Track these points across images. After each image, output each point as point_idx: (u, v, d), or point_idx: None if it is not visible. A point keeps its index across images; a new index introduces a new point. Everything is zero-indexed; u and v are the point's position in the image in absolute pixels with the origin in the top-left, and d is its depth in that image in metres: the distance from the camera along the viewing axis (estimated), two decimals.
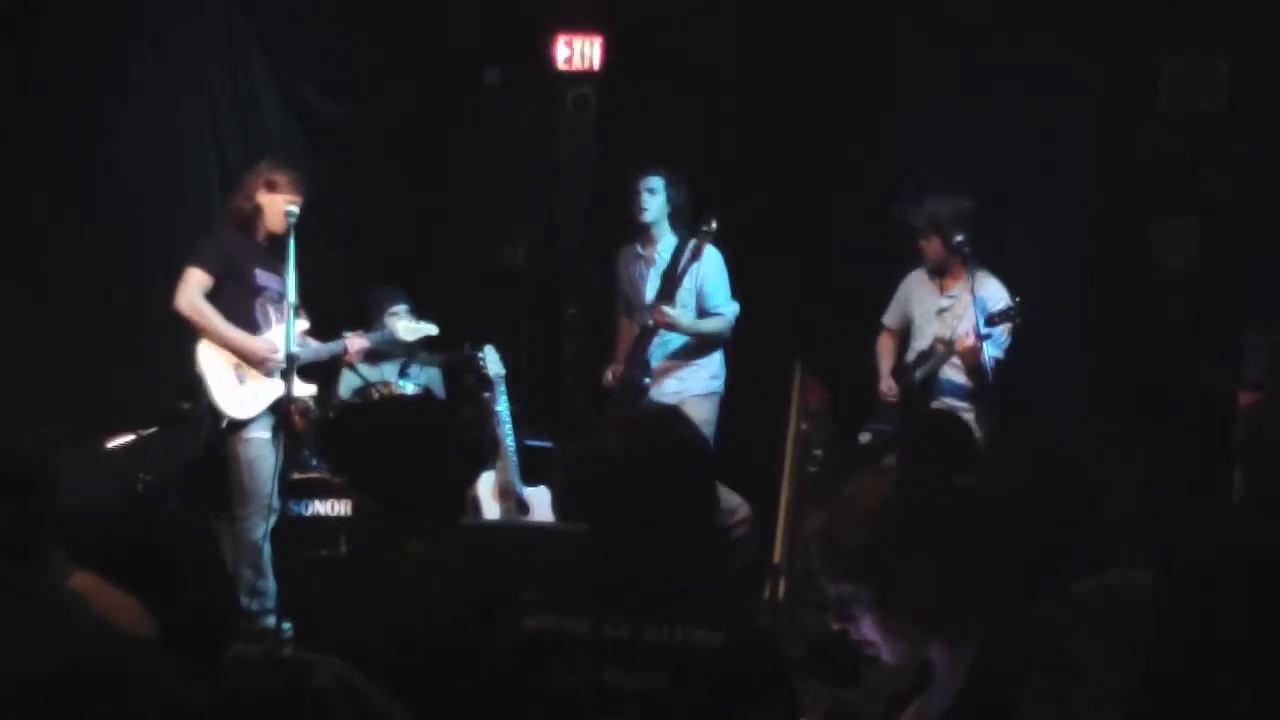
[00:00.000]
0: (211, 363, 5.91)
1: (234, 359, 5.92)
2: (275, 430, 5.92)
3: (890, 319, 6.56)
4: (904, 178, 6.97)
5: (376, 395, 6.40)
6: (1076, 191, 6.84)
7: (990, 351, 5.87)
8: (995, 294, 6.07)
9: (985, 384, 5.96)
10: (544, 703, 2.47)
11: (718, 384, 6.60)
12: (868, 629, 2.40)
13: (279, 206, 5.89)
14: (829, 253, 6.99)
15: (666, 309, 6.39)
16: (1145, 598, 2.72)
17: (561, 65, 7.42)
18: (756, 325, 6.68)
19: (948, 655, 2.40)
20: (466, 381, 6.96)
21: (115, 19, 6.97)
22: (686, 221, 6.55)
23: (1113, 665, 2.57)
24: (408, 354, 6.88)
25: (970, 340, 5.88)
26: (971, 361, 5.95)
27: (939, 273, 6.26)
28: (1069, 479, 2.95)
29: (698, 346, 6.55)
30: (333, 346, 6.25)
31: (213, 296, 5.92)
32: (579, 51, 7.41)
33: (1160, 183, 6.73)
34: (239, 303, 5.95)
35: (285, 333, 5.75)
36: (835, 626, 2.43)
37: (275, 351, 5.87)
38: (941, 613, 2.37)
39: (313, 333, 6.22)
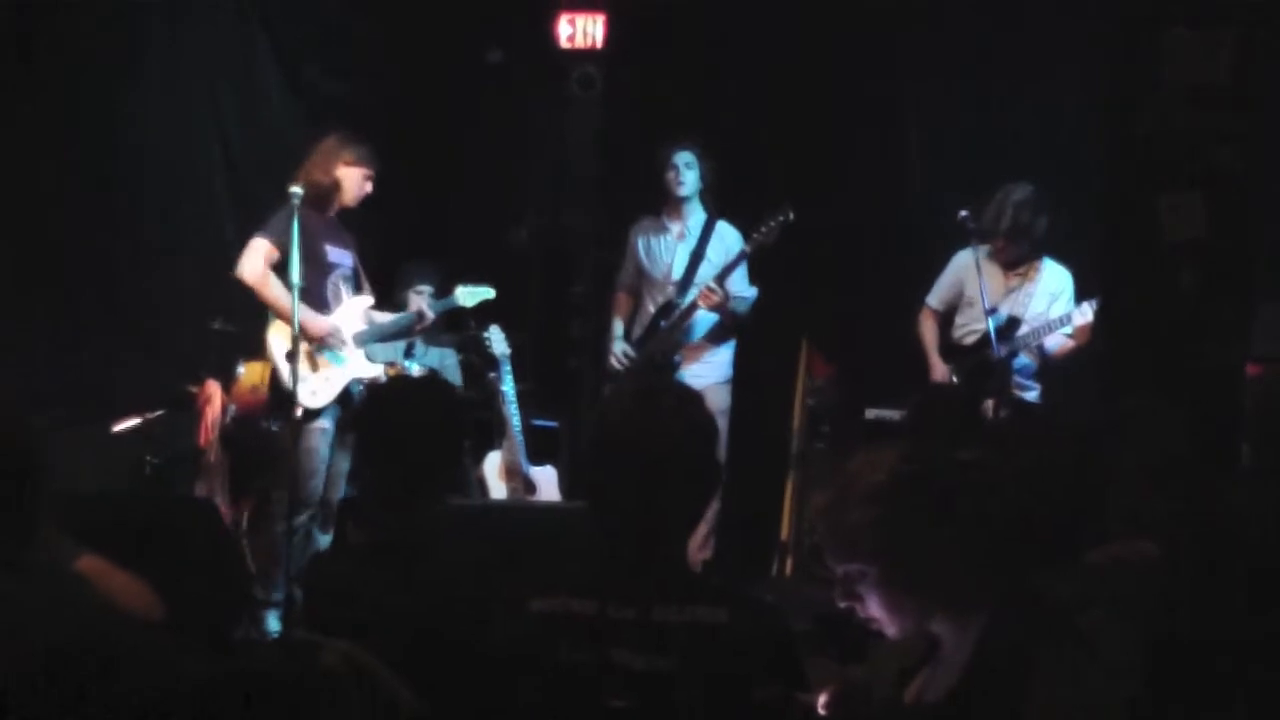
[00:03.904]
0: (283, 349, 5.69)
1: (306, 345, 5.64)
2: (339, 423, 5.76)
3: (938, 299, 6.37)
4: (909, 146, 6.96)
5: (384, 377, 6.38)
6: (1082, 184, 6.83)
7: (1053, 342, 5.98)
8: (1059, 281, 6.11)
9: (1048, 364, 6.03)
10: (550, 685, 2.46)
11: (732, 370, 6.55)
12: (873, 605, 2.40)
13: (356, 180, 5.84)
14: (833, 228, 6.97)
15: (722, 290, 6.26)
16: (1154, 570, 2.72)
17: (564, 43, 7.38)
18: (762, 301, 6.65)
19: (953, 631, 2.40)
20: (473, 361, 6.96)
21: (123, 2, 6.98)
22: (713, 196, 6.49)
23: (1124, 640, 2.57)
24: (424, 335, 6.87)
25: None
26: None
27: (1014, 262, 6.14)
28: (1077, 452, 2.94)
29: (722, 331, 6.48)
30: (403, 318, 6.12)
31: (283, 275, 5.67)
32: (582, 29, 7.37)
33: (1166, 156, 6.70)
34: (308, 281, 5.70)
35: (350, 312, 5.77)
36: (841, 604, 2.43)
37: (333, 334, 5.77)
38: (945, 588, 2.37)
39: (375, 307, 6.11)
